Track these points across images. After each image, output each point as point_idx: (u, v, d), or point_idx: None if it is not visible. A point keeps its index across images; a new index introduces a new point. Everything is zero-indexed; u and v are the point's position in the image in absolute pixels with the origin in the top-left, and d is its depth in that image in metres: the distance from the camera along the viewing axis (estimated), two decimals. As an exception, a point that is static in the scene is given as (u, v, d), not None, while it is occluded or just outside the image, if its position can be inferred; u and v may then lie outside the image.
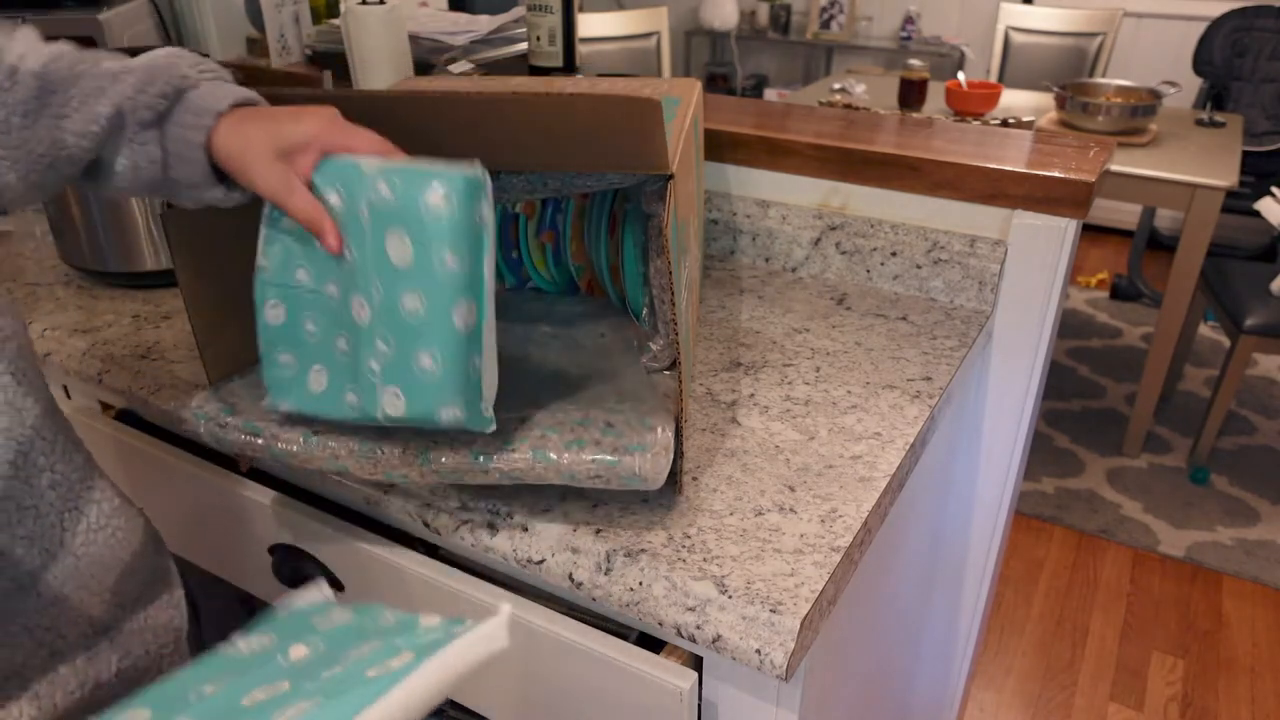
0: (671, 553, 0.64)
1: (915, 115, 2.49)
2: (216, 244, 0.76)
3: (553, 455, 0.64)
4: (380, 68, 1.21)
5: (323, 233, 0.61)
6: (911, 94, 2.55)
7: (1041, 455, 2.42)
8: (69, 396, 1.04)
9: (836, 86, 2.70)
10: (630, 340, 0.88)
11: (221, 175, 0.63)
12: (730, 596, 0.61)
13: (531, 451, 0.65)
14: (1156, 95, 2.36)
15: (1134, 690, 1.77)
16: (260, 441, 0.70)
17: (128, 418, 0.97)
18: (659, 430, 0.66)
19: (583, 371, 0.80)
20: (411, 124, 0.70)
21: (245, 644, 0.52)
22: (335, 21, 1.49)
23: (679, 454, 0.68)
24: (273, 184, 0.61)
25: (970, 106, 2.45)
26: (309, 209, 0.61)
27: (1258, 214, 2.14)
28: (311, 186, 0.62)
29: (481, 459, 0.65)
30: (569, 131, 0.69)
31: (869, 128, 1.12)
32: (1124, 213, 3.77)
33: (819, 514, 0.68)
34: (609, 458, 0.64)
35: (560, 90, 0.93)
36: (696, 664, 0.67)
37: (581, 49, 1.30)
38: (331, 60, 1.39)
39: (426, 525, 0.72)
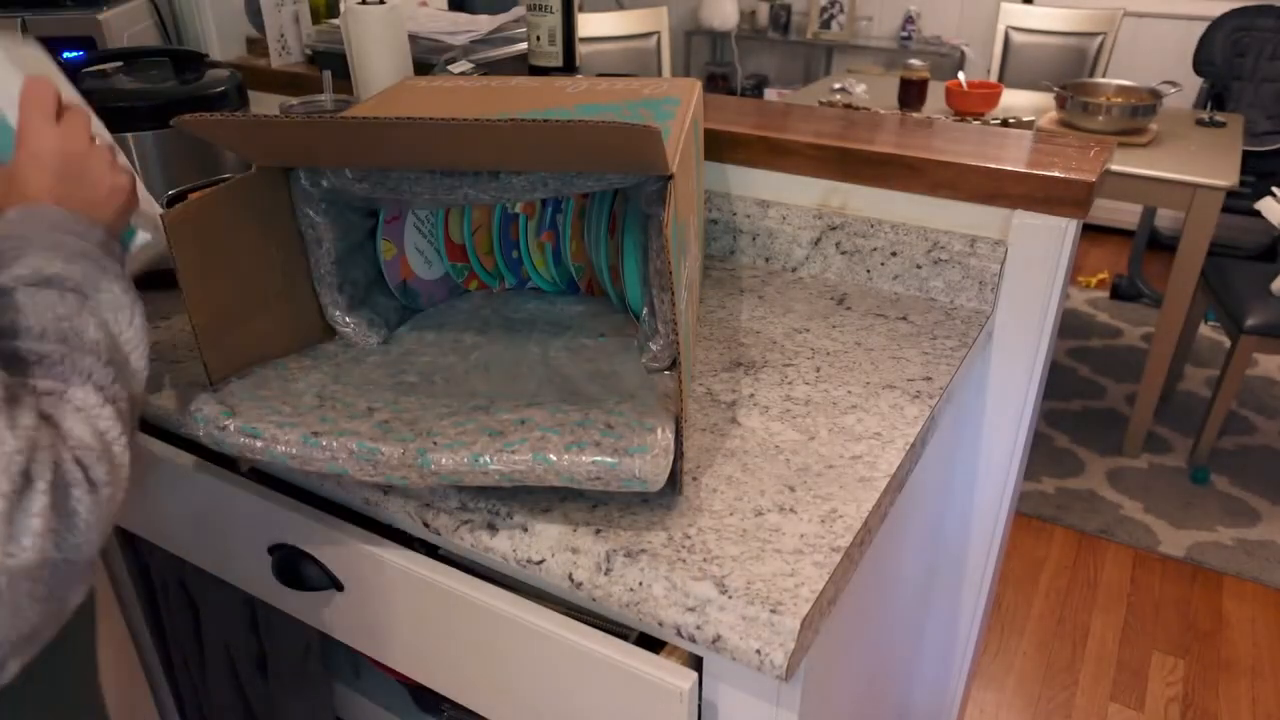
0: (671, 553, 0.64)
1: (915, 115, 2.49)
2: (218, 244, 0.76)
3: (552, 457, 0.64)
4: (380, 67, 1.21)
5: None
6: (911, 94, 2.55)
7: (1042, 455, 2.42)
8: (69, 396, 1.04)
9: (836, 86, 2.70)
10: (630, 340, 0.88)
11: None
12: (730, 596, 0.61)
13: (531, 453, 0.65)
14: (1157, 95, 2.36)
15: (1134, 690, 1.77)
16: (259, 444, 0.70)
17: (127, 418, 0.97)
18: (659, 431, 0.66)
19: (583, 371, 0.80)
20: (408, 143, 0.70)
21: None
22: (335, 21, 1.49)
23: (679, 454, 0.68)
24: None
25: (970, 106, 2.44)
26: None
27: (1258, 214, 2.14)
28: None
29: (481, 461, 0.65)
30: (569, 154, 0.69)
31: (869, 128, 1.11)
32: (1124, 213, 3.77)
33: (819, 514, 0.68)
34: (609, 460, 0.64)
35: (560, 90, 0.93)
36: (696, 664, 0.67)
37: (581, 49, 1.30)
38: (331, 60, 1.39)
39: (426, 525, 0.72)
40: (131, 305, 0.61)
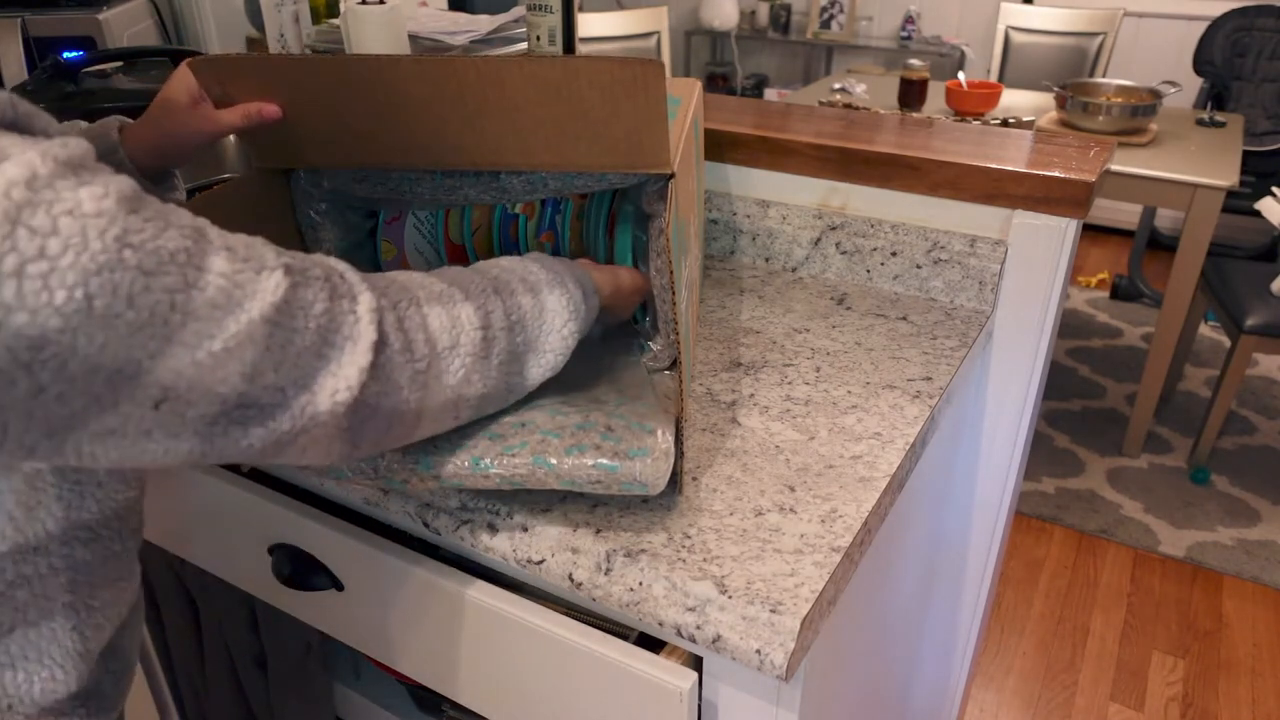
0: (671, 553, 0.64)
1: (915, 115, 2.49)
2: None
3: (553, 461, 0.64)
4: (380, 67, 1.21)
5: None
6: (912, 94, 2.55)
7: (1042, 455, 2.42)
8: (69, 396, 1.04)
9: (836, 86, 2.70)
10: (630, 340, 0.88)
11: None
12: (730, 596, 0.61)
13: (531, 457, 0.65)
14: (1157, 95, 2.36)
15: (1134, 690, 1.77)
16: None
17: (127, 418, 0.97)
18: (659, 434, 0.66)
19: (582, 372, 0.80)
20: (413, 93, 0.69)
21: None
22: (335, 21, 1.49)
23: (679, 454, 0.68)
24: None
25: (970, 106, 2.44)
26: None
27: (1258, 214, 2.14)
28: None
29: (481, 465, 0.65)
30: (571, 98, 0.68)
31: (869, 128, 1.11)
32: (1124, 213, 3.77)
33: (819, 514, 0.68)
34: (609, 463, 0.64)
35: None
36: (696, 664, 0.67)
37: (581, 49, 1.30)
38: (331, 60, 1.39)
39: (426, 525, 0.72)
40: (568, 321, 0.66)
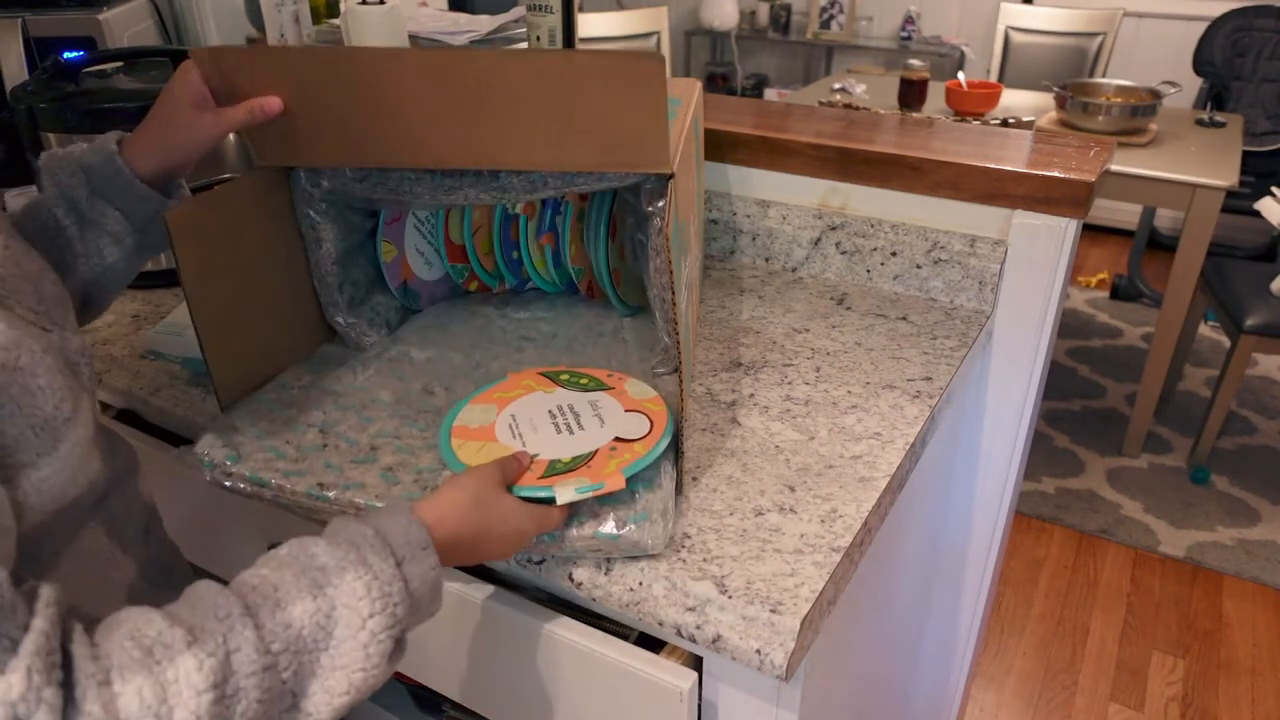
0: (671, 553, 0.64)
1: (915, 115, 2.49)
2: (219, 243, 0.76)
3: (555, 531, 0.64)
4: (380, 68, 1.21)
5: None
6: (911, 94, 2.55)
7: (1041, 455, 2.42)
8: (69, 396, 1.04)
9: (836, 86, 2.70)
10: (628, 341, 0.88)
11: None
12: (730, 596, 0.61)
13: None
14: (1157, 95, 2.36)
15: (1134, 690, 1.77)
16: (268, 493, 0.71)
17: (128, 418, 0.97)
18: (656, 490, 0.65)
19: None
20: (415, 86, 0.69)
21: None
22: (335, 21, 1.49)
23: (679, 453, 0.69)
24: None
25: (970, 106, 2.44)
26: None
27: (1258, 214, 2.14)
28: None
29: None
30: (572, 91, 0.68)
31: (869, 128, 1.11)
32: (1124, 213, 3.77)
33: (819, 514, 0.68)
34: (610, 532, 0.63)
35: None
36: (696, 664, 0.67)
37: (581, 49, 1.30)
38: (331, 60, 1.39)
39: (426, 525, 0.72)
40: (369, 617, 0.48)
